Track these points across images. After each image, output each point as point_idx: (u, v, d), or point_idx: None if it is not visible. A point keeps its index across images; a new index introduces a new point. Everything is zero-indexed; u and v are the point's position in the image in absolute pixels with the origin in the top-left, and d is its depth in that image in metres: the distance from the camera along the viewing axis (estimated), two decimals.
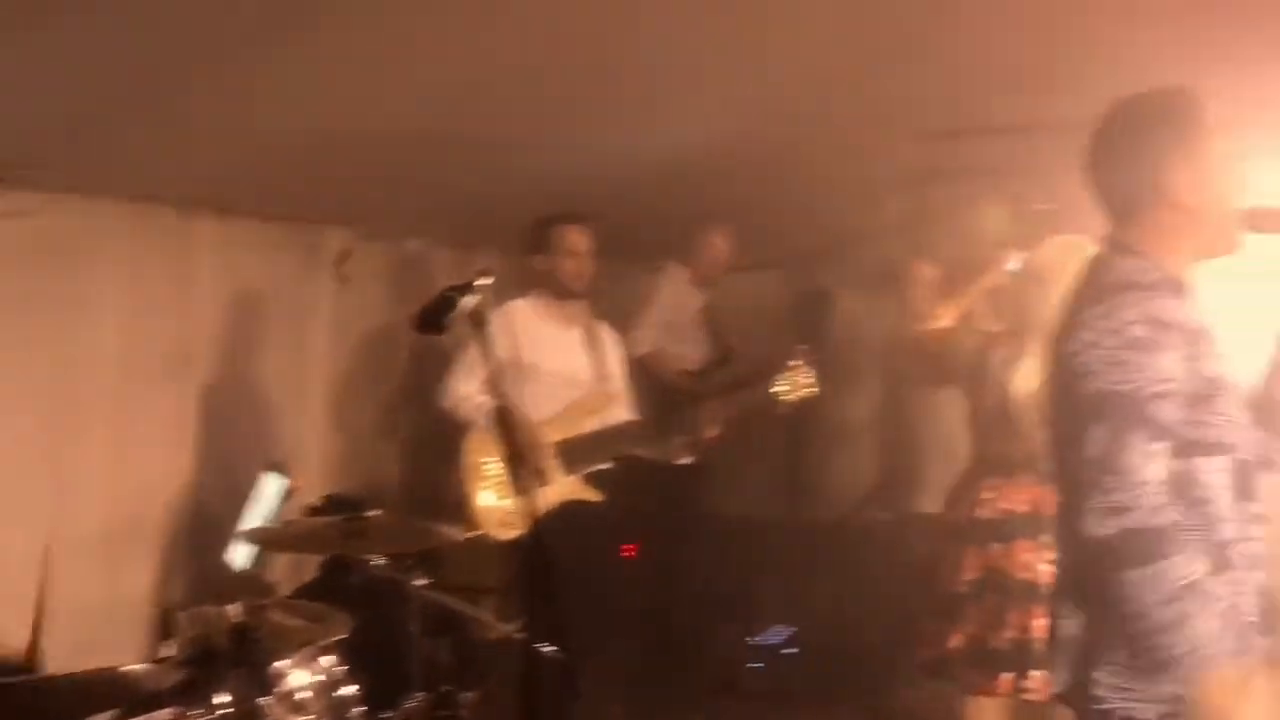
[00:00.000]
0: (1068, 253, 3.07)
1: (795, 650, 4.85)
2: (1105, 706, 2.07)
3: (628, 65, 3.35)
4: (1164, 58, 3.37)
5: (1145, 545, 1.96)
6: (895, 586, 4.54)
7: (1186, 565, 1.96)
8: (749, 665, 4.84)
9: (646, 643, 4.50)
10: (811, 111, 3.99)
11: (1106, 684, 2.07)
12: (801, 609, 4.97)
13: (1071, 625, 2.14)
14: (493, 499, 3.86)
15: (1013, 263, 3.92)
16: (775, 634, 4.91)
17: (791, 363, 4.09)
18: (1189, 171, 2.13)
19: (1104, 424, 2.01)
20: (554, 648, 2.88)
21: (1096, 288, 2.13)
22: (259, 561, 3.64)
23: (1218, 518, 2.07)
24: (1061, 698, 2.19)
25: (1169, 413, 2.02)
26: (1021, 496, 3.45)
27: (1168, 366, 2.03)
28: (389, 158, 3.82)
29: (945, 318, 3.96)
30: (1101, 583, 2.00)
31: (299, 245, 4.65)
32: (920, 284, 4.59)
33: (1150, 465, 2.00)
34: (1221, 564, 2.06)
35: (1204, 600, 1.96)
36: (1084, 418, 2.04)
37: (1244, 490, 2.11)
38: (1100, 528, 1.98)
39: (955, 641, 3.48)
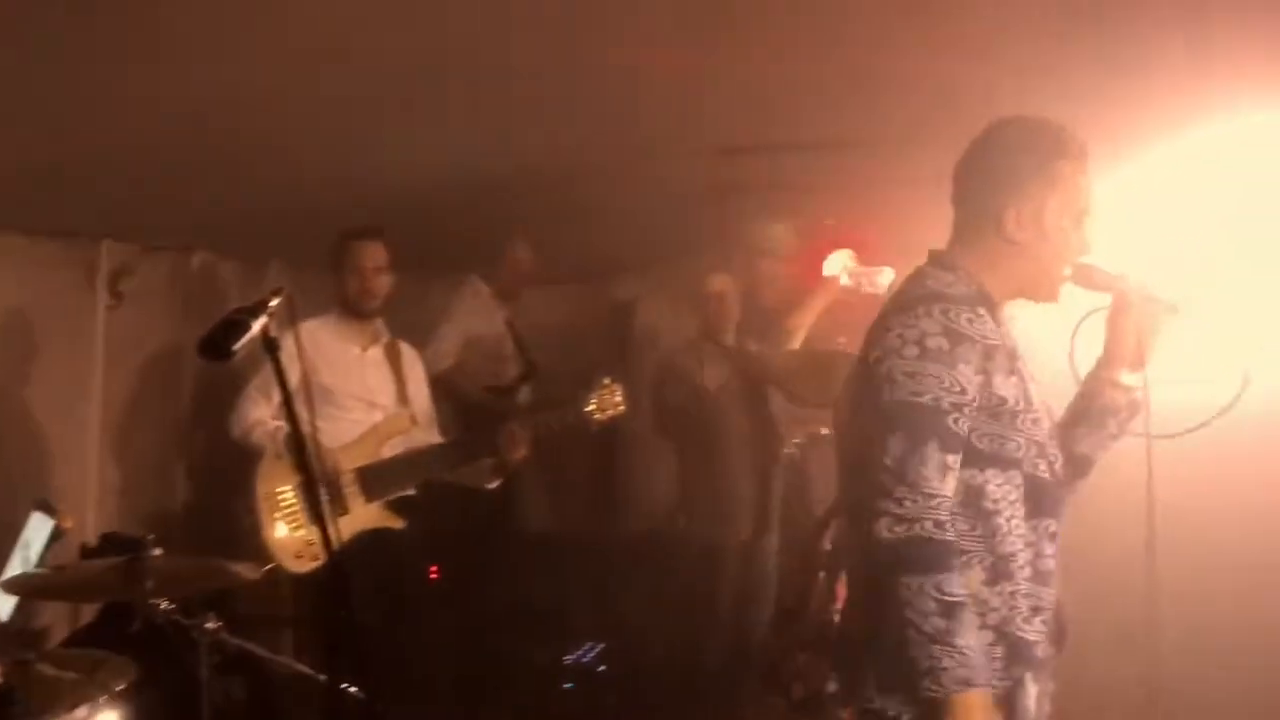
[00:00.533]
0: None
1: (607, 668, 4.80)
2: (873, 706, 2.08)
3: (427, 72, 3.24)
4: (963, 80, 3.49)
5: (926, 555, 2.00)
6: (711, 602, 4.56)
7: (961, 582, 2.00)
8: (562, 686, 4.77)
9: (455, 671, 4.37)
10: (614, 124, 3.97)
11: (877, 687, 2.09)
12: (614, 626, 4.93)
13: (858, 629, 2.15)
14: (287, 530, 3.67)
15: (845, 280, 4.01)
16: (587, 652, 4.85)
17: (604, 382, 4.05)
18: (1031, 206, 2.15)
19: (901, 434, 2.03)
20: (355, 686, 2.74)
21: (907, 296, 2.15)
22: (25, 611, 3.34)
23: (1003, 531, 2.11)
24: (837, 698, 2.18)
25: (963, 425, 2.06)
26: None
27: (963, 379, 2.06)
28: (165, 168, 3.59)
29: (794, 337, 4.00)
30: (880, 586, 2.03)
31: (71, 261, 4.32)
32: (717, 298, 4.65)
33: (944, 477, 2.03)
34: (999, 575, 2.11)
35: (970, 621, 2.00)
36: (883, 426, 2.05)
37: (1039, 507, 2.15)
38: (887, 532, 2.01)
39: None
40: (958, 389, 2.04)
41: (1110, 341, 2.26)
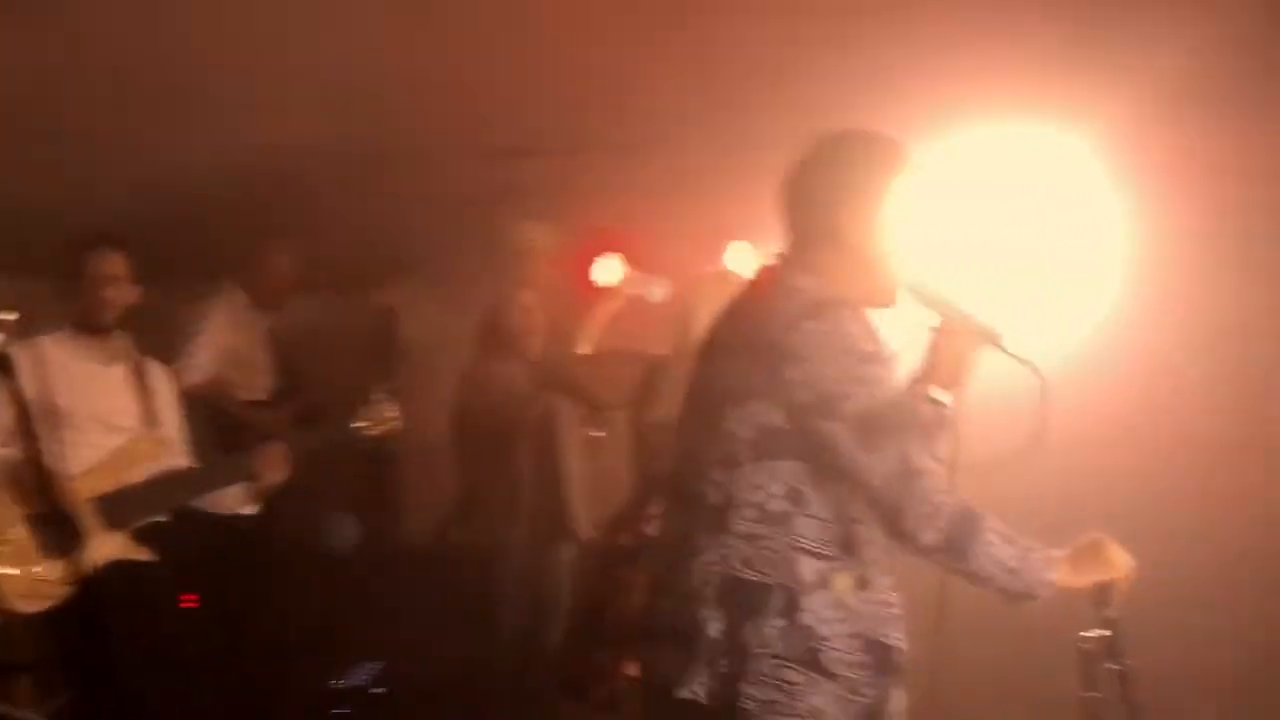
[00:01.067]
0: (720, 282, 3.15)
1: (384, 689, 4.65)
2: (745, 706, 2.05)
3: (174, 66, 3.05)
4: (733, 86, 3.54)
5: (970, 520, 2.06)
6: (500, 612, 4.47)
7: (993, 520, 2.08)
8: (334, 711, 4.59)
9: (218, 706, 4.13)
10: (375, 125, 3.87)
11: (753, 696, 2.06)
12: (394, 645, 4.78)
13: (716, 628, 2.10)
14: (15, 568, 3.36)
15: (635, 288, 4.02)
16: (361, 674, 4.69)
17: (374, 396, 3.89)
18: (870, 216, 2.21)
19: (886, 442, 2.06)
20: None
21: (801, 301, 2.14)
22: None
23: (866, 539, 2.14)
24: (697, 705, 2.11)
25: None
26: None
27: (890, 376, 2.12)
28: None
29: (587, 344, 3.98)
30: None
31: None
32: (523, 309, 4.58)
33: (924, 456, 2.09)
34: (865, 582, 2.13)
35: (999, 526, 2.08)
36: (861, 442, 2.06)
37: None
38: (934, 535, 2.05)
39: (631, 670, 3.42)
40: (894, 381, 2.14)
41: (930, 360, 2.32)
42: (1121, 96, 3.66)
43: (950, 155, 3.73)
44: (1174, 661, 3.00)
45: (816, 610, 2.08)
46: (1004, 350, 2.28)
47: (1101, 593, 2.23)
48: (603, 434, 4.75)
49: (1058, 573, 2.11)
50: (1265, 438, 3.82)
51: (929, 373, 2.31)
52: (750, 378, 2.14)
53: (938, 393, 2.29)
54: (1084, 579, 2.17)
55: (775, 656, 2.06)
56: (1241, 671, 3.69)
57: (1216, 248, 3.84)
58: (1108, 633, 2.26)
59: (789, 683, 2.06)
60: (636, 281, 4.27)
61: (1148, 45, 3.49)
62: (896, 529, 2.07)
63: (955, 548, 2.06)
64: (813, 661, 2.07)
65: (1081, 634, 2.28)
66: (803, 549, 2.10)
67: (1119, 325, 3.92)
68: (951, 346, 2.30)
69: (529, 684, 4.50)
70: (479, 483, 4.72)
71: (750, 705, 2.05)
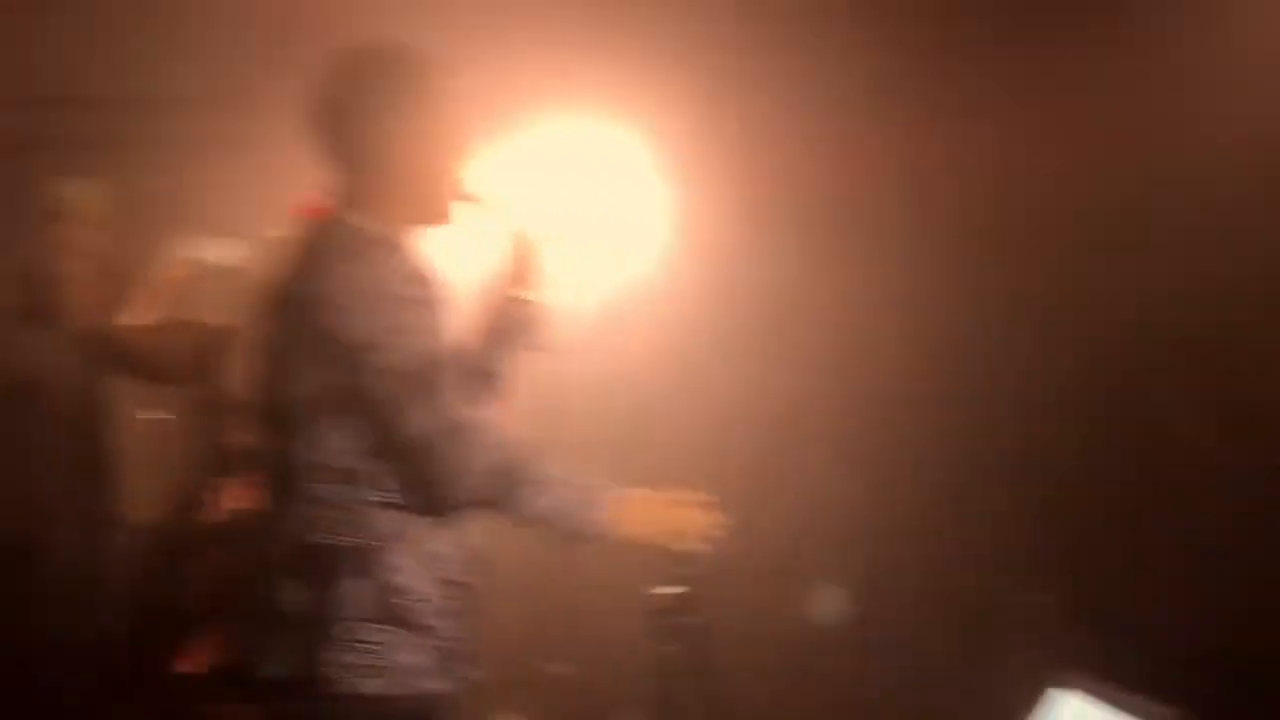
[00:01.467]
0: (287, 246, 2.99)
1: None
2: (334, 689, 2.00)
3: None
4: (291, 43, 3.43)
5: (515, 472, 2.02)
6: (37, 611, 4.08)
7: (544, 462, 2.05)
8: None
9: None
10: None
11: (337, 662, 2.00)
12: None
13: (295, 599, 2.02)
14: None
15: (194, 252, 3.78)
16: None
17: None
18: (414, 129, 2.10)
19: (427, 391, 1.97)
20: None
21: (341, 247, 2.04)
22: None
23: None
24: (281, 682, 2.04)
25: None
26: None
27: (440, 321, 2.05)
28: None
29: (144, 314, 3.66)
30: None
31: None
32: (55, 270, 4.15)
33: (469, 405, 2.05)
34: (443, 525, 2.11)
35: (550, 469, 2.06)
36: (400, 391, 1.96)
37: None
38: (482, 483, 2.01)
39: (192, 664, 3.20)
40: (440, 330, 2.04)
41: (509, 264, 2.34)
42: (672, 93, 3.96)
43: (518, 144, 3.86)
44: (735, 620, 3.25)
45: (397, 563, 2.04)
46: (582, 244, 2.37)
47: (676, 550, 2.34)
48: (161, 412, 4.44)
49: (608, 511, 2.09)
50: (788, 405, 4.38)
51: (510, 276, 2.33)
52: (300, 333, 2.05)
53: (523, 292, 2.33)
54: (656, 535, 2.20)
55: (358, 619, 2.00)
56: (796, 628, 4.12)
57: (751, 229, 4.29)
58: (683, 589, 2.40)
59: (375, 643, 2.01)
60: (196, 245, 4.01)
61: (701, 46, 3.80)
62: (441, 480, 2.02)
63: (504, 495, 2.03)
64: (398, 616, 2.03)
65: (653, 590, 2.39)
66: (378, 503, 2.04)
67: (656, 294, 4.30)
68: (526, 246, 2.32)
69: (80, 688, 4.15)
70: (17, 469, 4.27)
71: (333, 672, 1.99)
